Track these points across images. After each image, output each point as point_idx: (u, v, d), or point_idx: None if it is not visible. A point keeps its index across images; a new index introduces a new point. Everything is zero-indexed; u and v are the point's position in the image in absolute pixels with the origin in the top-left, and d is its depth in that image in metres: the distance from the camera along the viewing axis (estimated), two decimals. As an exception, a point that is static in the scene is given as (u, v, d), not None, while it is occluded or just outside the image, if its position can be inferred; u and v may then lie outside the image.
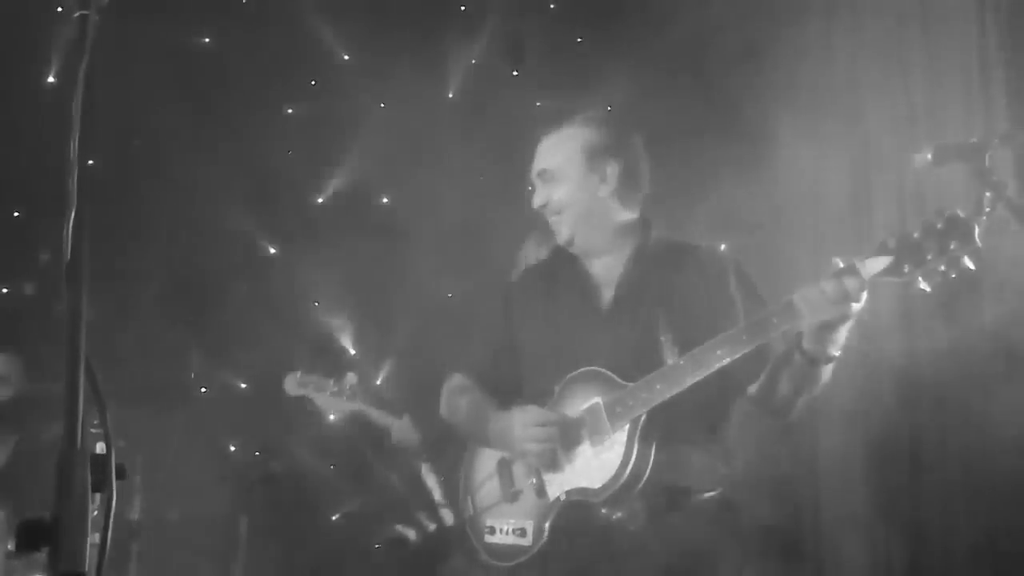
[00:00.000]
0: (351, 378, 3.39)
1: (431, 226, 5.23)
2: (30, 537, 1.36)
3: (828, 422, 4.39)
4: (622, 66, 5.04)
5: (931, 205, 3.84)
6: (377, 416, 3.46)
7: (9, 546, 3.48)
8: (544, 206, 3.00)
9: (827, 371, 2.69)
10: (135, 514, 4.14)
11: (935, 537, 4.18)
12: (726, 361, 2.62)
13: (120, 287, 4.69)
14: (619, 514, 2.74)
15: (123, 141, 5.20)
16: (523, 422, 2.86)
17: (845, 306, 2.51)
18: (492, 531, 2.95)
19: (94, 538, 1.39)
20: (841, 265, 2.53)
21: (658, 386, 2.69)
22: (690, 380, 2.66)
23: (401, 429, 3.29)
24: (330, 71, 5.58)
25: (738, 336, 2.63)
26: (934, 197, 3.90)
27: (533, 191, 3.06)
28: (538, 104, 5.34)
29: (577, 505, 2.78)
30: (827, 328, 2.57)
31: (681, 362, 2.69)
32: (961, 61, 4.21)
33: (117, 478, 1.39)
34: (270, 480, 4.65)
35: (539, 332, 3.03)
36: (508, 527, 2.91)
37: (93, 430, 1.46)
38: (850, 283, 2.49)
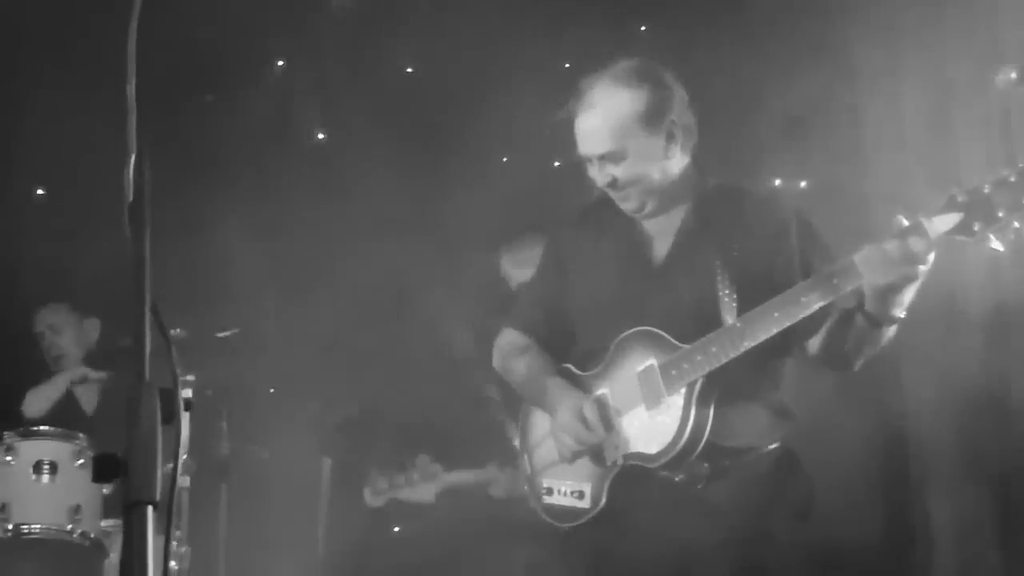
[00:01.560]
0: (423, 460, 3.43)
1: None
2: (104, 469, 1.41)
3: (898, 371, 4.27)
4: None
5: (1018, 131, 3.71)
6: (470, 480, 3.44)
7: (106, 489, 3.63)
8: (610, 184, 2.83)
9: (891, 331, 2.59)
10: (224, 450, 4.26)
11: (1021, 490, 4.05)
12: (785, 324, 2.54)
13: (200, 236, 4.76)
14: (681, 476, 2.70)
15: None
16: (571, 410, 2.81)
17: (910, 267, 2.39)
18: (550, 492, 2.92)
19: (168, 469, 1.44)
20: (906, 223, 2.40)
21: (714, 349, 2.62)
22: (747, 344, 2.58)
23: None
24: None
25: (795, 298, 2.54)
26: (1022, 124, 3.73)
27: (589, 169, 2.87)
28: (567, 65, 4.99)
29: (636, 468, 2.74)
30: (891, 290, 2.45)
31: (738, 324, 2.62)
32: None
33: (184, 410, 1.43)
34: (349, 424, 4.75)
35: (588, 288, 2.95)
36: (566, 488, 2.87)
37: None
38: (915, 243, 2.37)
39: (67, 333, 4.61)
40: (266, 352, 4.72)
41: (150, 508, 1.36)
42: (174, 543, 3.81)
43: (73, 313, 4.65)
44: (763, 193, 2.87)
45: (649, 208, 2.86)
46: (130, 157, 1.59)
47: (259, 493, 4.68)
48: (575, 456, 2.82)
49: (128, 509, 1.37)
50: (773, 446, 2.76)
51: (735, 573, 2.66)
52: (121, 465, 1.40)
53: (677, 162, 2.84)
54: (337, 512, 4.76)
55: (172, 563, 3.78)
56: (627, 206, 2.87)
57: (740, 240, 2.78)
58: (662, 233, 2.89)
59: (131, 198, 1.57)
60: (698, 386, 2.66)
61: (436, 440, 4.37)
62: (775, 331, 2.56)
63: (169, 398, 1.44)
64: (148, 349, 1.46)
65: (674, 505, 2.70)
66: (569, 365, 2.97)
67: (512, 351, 3.10)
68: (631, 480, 2.76)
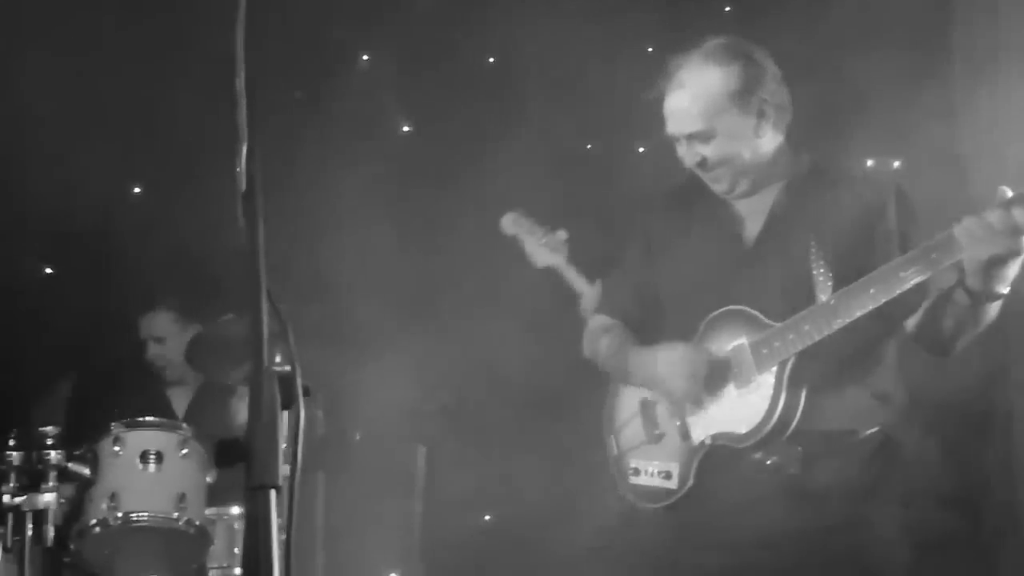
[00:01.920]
0: (561, 234, 3.39)
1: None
2: (227, 455, 1.44)
3: (1004, 351, 4.13)
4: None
5: None
6: (573, 278, 3.45)
7: (209, 478, 3.70)
8: (699, 164, 2.82)
9: (994, 308, 2.51)
10: (320, 437, 4.31)
11: None
12: (881, 301, 2.49)
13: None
14: (773, 458, 2.66)
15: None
16: (668, 360, 2.79)
17: (1014, 240, 2.34)
18: (636, 472, 2.91)
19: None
20: (1010, 194, 2.35)
21: (806, 327, 2.57)
22: (840, 322, 2.53)
23: (590, 298, 3.27)
24: None
25: (893, 273, 2.48)
26: None
27: (678, 149, 2.87)
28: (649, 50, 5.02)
29: (724, 449, 2.71)
30: (993, 264, 2.39)
31: (832, 302, 2.56)
32: None
33: (303, 396, 1.45)
34: (444, 412, 4.77)
35: (678, 269, 2.93)
36: (653, 469, 2.86)
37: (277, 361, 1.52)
38: (1020, 214, 2.31)
39: (170, 343, 4.61)
40: (360, 338, 4.76)
41: (273, 492, 1.39)
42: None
43: (176, 323, 4.62)
44: (859, 171, 2.82)
45: (740, 189, 2.82)
46: (241, 148, 1.61)
47: (355, 480, 4.73)
48: (685, 397, 2.78)
49: (251, 493, 1.40)
50: (872, 431, 2.70)
51: (830, 560, 2.62)
52: (243, 450, 1.43)
53: (769, 141, 2.80)
54: (432, 499, 4.80)
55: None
56: (718, 187, 2.84)
57: (835, 219, 2.73)
58: (754, 213, 2.85)
59: (244, 188, 1.59)
60: (790, 365, 2.62)
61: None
62: (871, 307, 2.51)
63: (288, 384, 1.46)
64: (266, 335, 1.48)
65: (765, 488, 2.67)
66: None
67: (596, 331, 3.09)
68: (720, 461, 2.73)
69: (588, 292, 3.43)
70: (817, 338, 2.56)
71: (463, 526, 4.71)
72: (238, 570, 3.83)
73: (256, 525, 1.39)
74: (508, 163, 5.06)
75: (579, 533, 3.97)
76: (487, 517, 4.89)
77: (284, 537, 1.39)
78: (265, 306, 1.49)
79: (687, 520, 2.81)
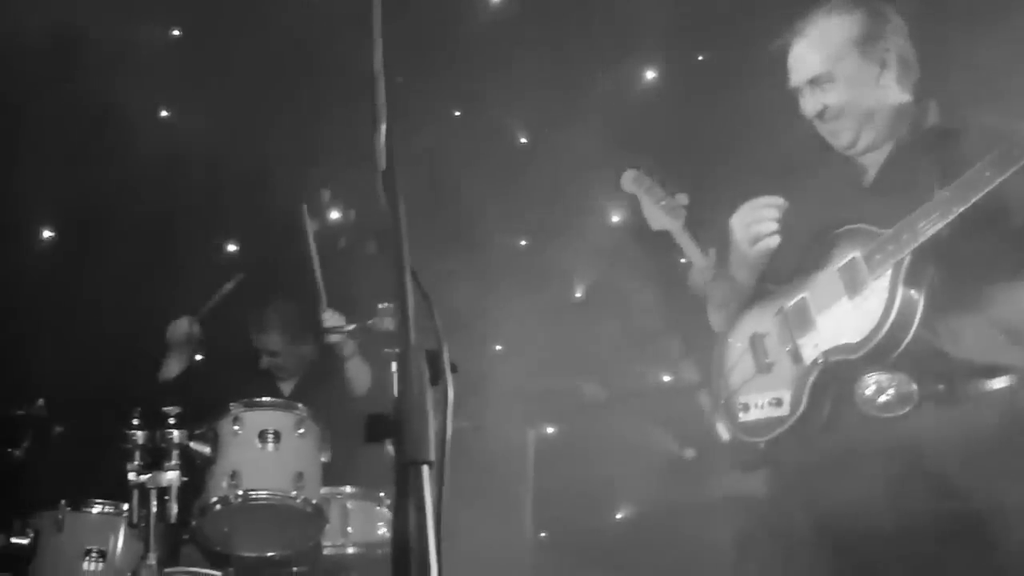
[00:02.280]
0: (682, 198, 3.35)
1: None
2: (376, 430, 1.44)
3: None
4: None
5: None
6: (688, 245, 3.40)
7: (323, 458, 3.76)
8: (820, 114, 2.77)
9: None
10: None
11: None
12: (996, 181, 2.36)
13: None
14: (889, 392, 2.53)
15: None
16: (741, 220, 2.80)
17: None
18: (746, 408, 2.82)
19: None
20: None
21: (921, 224, 2.46)
22: (957, 209, 2.40)
23: (702, 269, 3.22)
24: None
25: (1007, 152, 2.36)
26: None
27: (801, 99, 2.83)
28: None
29: (838, 367, 2.60)
30: None
31: (947, 192, 2.44)
32: None
33: (452, 372, 1.44)
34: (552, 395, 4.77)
35: (805, 215, 2.84)
36: (763, 400, 2.78)
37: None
38: None
39: (283, 355, 4.64)
40: (471, 322, 4.77)
41: (426, 468, 1.39)
42: (387, 510, 3.92)
43: (285, 335, 4.63)
44: (989, 126, 2.67)
45: (862, 143, 2.77)
46: (380, 127, 1.62)
47: (468, 466, 4.74)
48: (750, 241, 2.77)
49: (403, 469, 1.40)
50: (1003, 382, 2.52)
51: (952, 491, 2.45)
52: (392, 426, 1.43)
53: (892, 93, 2.75)
54: (543, 483, 4.80)
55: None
56: (838, 142, 2.81)
57: (959, 165, 2.60)
58: (875, 163, 2.80)
59: (383, 166, 1.60)
60: (906, 264, 2.51)
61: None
62: (985, 191, 2.38)
63: (435, 360, 1.46)
64: (411, 312, 1.48)
65: (878, 419, 2.54)
66: (767, 284, 2.90)
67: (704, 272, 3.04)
68: (833, 382, 2.63)
69: (700, 262, 3.37)
70: (933, 230, 2.44)
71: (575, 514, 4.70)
72: (351, 549, 3.89)
73: (407, 500, 1.38)
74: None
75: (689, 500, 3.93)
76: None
77: (434, 514, 1.38)
78: (410, 284, 1.49)
79: (800, 449, 2.69)
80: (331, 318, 4.26)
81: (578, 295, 5.79)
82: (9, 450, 3.86)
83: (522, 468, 4.68)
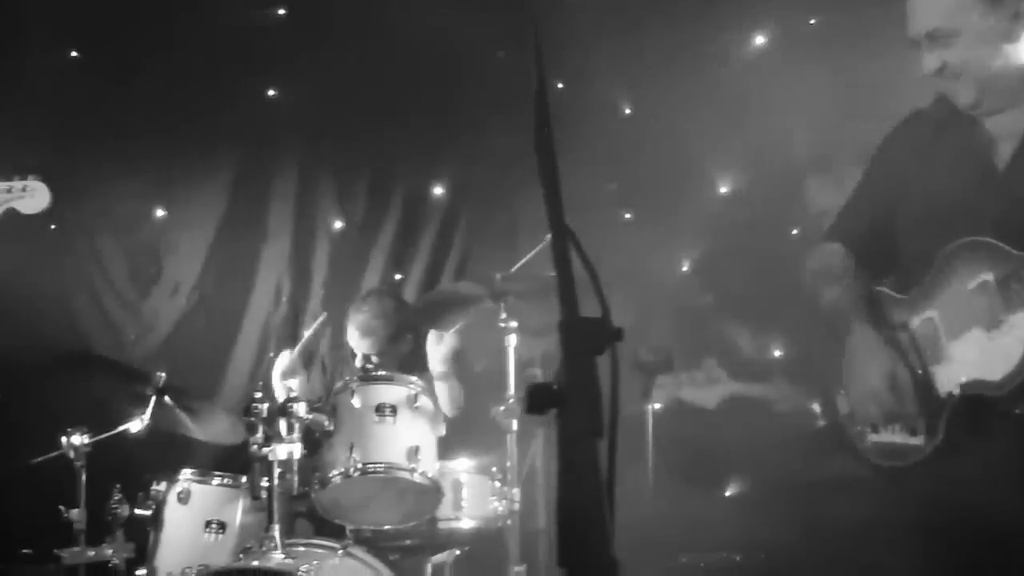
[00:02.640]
0: (709, 364, 3.27)
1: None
2: (539, 401, 1.39)
3: None
4: None
5: None
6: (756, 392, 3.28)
7: (439, 432, 3.76)
8: (940, 70, 2.53)
9: None
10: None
11: None
12: None
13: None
14: None
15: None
16: (880, 374, 2.57)
17: None
18: (875, 429, 2.65)
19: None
20: None
21: None
22: None
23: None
24: None
25: None
26: None
27: (921, 57, 2.58)
28: None
29: (975, 400, 2.42)
30: None
31: None
32: None
33: (617, 340, 1.38)
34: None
35: (919, 196, 2.65)
36: (895, 425, 2.60)
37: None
38: None
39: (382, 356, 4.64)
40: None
41: (597, 440, 1.33)
42: (499, 484, 3.90)
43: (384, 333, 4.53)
44: None
45: (988, 104, 2.54)
46: (535, 88, 1.56)
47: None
48: (884, 420, 2.57)
49: (572, 441, 1.34)
50: None
51: None
52: (557, 396, 1.38)
53: None
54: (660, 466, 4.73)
55: (503, 505, 3.88)
56: (961, 100, 2.56)
57: None
58: (1008, 135, 2.55)
59: (538, 126, 1.54)
60: None
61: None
62: None
63: (598, 330, 1.40)
64: (573, 278, 1.43)
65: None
66: (884, 288, 2.70)
67: (824, 274, 2.81)
68: (971, 415, 2.45)
69: None
70: None
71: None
72: (465, 523, 3.88)
73: (574, 473, 1.33)
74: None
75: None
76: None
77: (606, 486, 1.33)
78: (572, 248, 1.43)
79: (934, 481, 2.54)
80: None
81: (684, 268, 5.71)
82: (133, 423, 3.93)
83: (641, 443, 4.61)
